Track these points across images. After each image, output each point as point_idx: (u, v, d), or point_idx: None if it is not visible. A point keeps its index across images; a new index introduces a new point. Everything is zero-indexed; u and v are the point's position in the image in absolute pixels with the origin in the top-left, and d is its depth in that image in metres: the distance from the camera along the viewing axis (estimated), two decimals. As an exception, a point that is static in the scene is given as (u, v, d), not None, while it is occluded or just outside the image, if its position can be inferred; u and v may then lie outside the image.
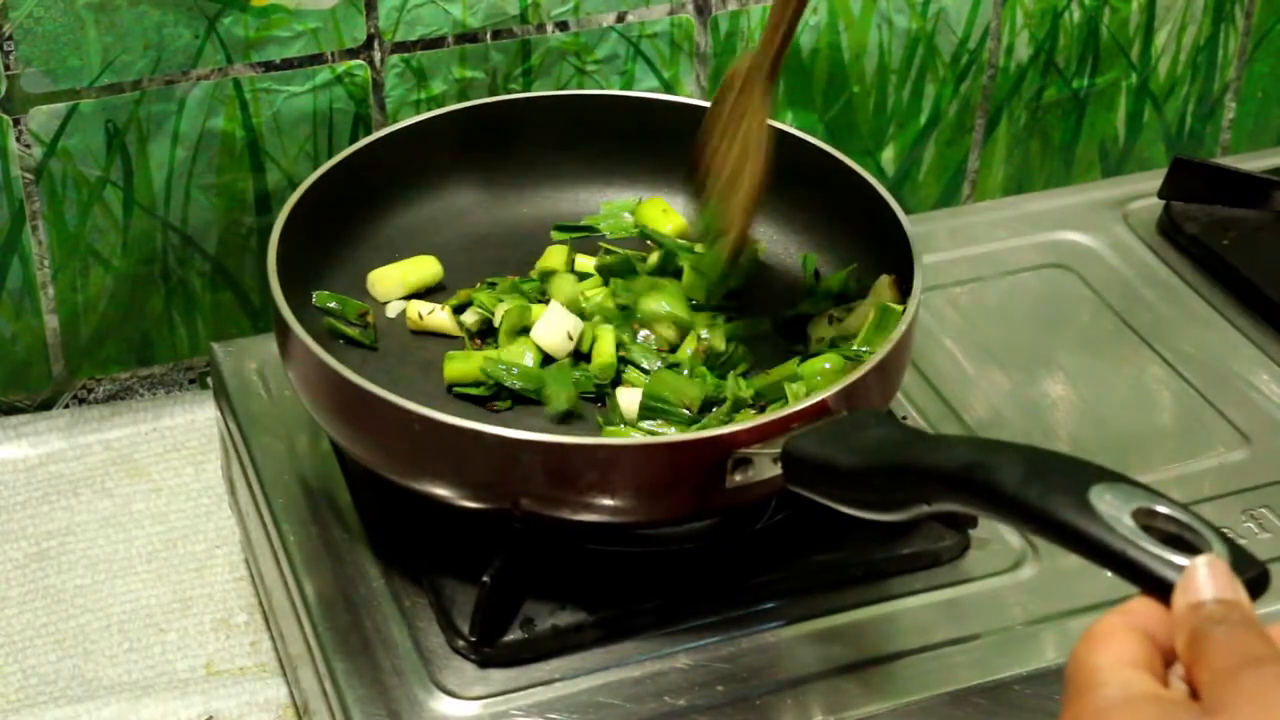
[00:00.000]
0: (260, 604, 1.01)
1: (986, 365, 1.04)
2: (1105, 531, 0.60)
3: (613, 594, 0.85)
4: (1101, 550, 0.60)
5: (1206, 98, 1.33)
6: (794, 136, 1.01)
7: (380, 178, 1.01)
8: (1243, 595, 0.58)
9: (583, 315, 0.95)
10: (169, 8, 1.03)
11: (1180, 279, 1.12)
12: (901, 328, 0.86)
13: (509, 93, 1.12)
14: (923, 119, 1.25)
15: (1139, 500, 0.61)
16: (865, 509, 0.74)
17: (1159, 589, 0.58)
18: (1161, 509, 0.61)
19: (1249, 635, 0.56)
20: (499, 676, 0.82)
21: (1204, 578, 0.58)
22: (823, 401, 0.81)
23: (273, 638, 0.99)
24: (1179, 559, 0.58)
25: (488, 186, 1.05)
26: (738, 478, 0.80)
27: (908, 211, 1.27)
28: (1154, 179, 1.17)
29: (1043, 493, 0.63)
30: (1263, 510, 0.93)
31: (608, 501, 0.80)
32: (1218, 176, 1.16)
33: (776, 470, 0.79)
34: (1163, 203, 1.17)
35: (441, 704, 0.81)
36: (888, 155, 1.25)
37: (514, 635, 0.82)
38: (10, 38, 1.01)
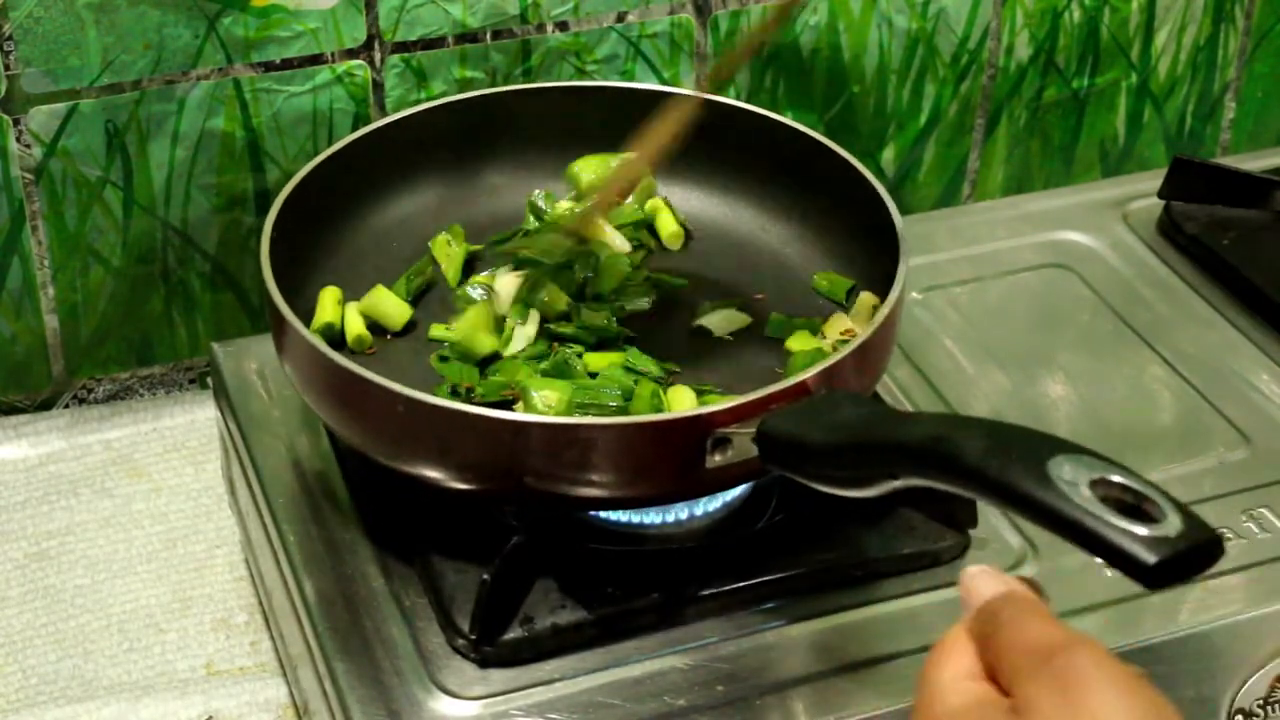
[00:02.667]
0: (260, 604, 1.01)
1: (986, 365, 1.04)
2: (1062, 501, 0.60)
3: (613, 594, 0.85)
4: (1058, 520, 0.61)
5: (1206, 98, 1.33)
6: (783, 125, 1.02)
7: (372, 171, 1.01)
8: (1015, 585, 0.62)
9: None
10: (169, 8, 1.03)
11: (1180, 279, 1.12)
12: (885, 310, 0.86)
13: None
14: (923, 119, 1.25)
15: (1097, 471, 0.61)
16: (836, 485, 0.75)
17: (1115, 557, 0.59)
18: (1117, 479, 0.61)
19: (1030, 623, 0.59)
20: (499, 676, 0.82)
21: (976, 586, 0.62)
22: (803, 383, 0.81)
23: (273, 638, 0.99)
24: (1136, 528, 0.59)
25: (481, 179, 1.05)
26: (717, 458, 0.80)
27: (908, 211, 1.27)
28: (1154, 179, 1.17)
29: (1003, 465, 0.63)
30: (1263, 510, 0.93)
31: (589, 478, 0.80)
32: (1218, 176, 1.16)
33: (756, 450, 0.79)
34: (1163, 203, 1.17)
35: (441, 704, 0.81)
36: (888, 155, 1.25)
37: (514, 634, 0.82)
38: (10, 38, 1.00)
